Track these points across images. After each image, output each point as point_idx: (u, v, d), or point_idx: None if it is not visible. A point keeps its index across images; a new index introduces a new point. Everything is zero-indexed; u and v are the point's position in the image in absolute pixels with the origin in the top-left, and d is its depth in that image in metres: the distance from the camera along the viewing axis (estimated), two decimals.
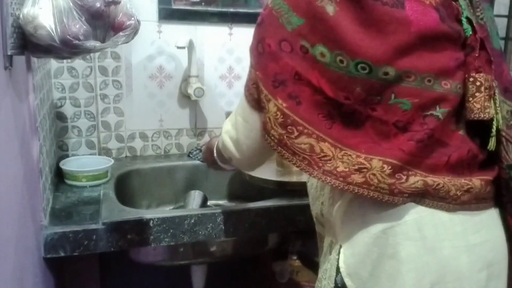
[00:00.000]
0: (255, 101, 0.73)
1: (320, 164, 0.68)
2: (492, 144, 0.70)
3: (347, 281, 0.71)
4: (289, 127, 0.68)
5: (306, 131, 0.68)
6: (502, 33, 2.12)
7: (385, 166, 0.66)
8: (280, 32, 0.68)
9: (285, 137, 0.69)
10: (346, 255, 0.72)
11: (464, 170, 0.70)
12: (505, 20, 2.10)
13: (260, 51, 0.70)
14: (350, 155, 0.67)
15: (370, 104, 0.66)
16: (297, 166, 0.70)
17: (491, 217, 0.73)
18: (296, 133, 0.68)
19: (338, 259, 0.73)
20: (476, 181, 0.70)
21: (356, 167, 0.67)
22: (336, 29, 0.64)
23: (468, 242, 0.69)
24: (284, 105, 0.68)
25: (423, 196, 0.68)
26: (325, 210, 0.79)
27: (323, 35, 0.65)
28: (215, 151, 1.00)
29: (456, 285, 0.68)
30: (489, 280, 0.70)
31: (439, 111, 0.67)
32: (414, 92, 0.66)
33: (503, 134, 0.71)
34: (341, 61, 0.65)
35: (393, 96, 0.66)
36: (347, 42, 0.64)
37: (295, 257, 1.48)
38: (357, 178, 0.66)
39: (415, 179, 0.67)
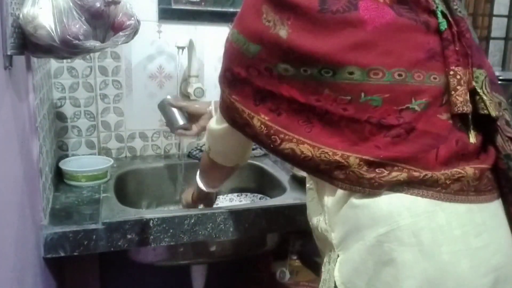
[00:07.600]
0: (232, 120, 0.80)
1: (305, 165, 0.72)
2: (472, 137, 0.70)
3: None
4: (272, 136, 0.74)
5: (287, 137, 0.72)
6: (502, 33, 2.12)
7: (362, 163, 0.68)
8: (244, 60, 0.73)
9: (271, 145, 0.74)
10: (340, 263, 0.71)
11: (459, 162, 0.69)
12: (505, 20, 2.11)
13: (230, 78, 0.77)
14: (327, 152, 0.69)
15: (341, 104, 0.68)
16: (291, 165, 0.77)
17: (495, 217, 0.70)
18: (278, 141, 0.73)
19: (335, 267, 0.72)
20: (469, 169, 0.68)
21: (335, 165, 0.69)
22: (293, 48, 0.68)
23: (470, 245, 0.66)
24: (267, 118, 0.74)
25: (408, 184, 0.67)
26: (322, 223, 0.78)
27: (282, 56, 0.69)
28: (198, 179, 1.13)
29: None
30: (496, 285, 0.67)
31: (415, 103, 0.67)
32: (385, 88, 0.67)
33: (498, 124, 0.71)
34: (305, 71, 0.68)
35: (362, 94, 0.67)
36: (306, 55, 0.67)
37: (295, 257, 1.47)
38: (339, 174, 0.70)
39: (398, 173, 0.67)
